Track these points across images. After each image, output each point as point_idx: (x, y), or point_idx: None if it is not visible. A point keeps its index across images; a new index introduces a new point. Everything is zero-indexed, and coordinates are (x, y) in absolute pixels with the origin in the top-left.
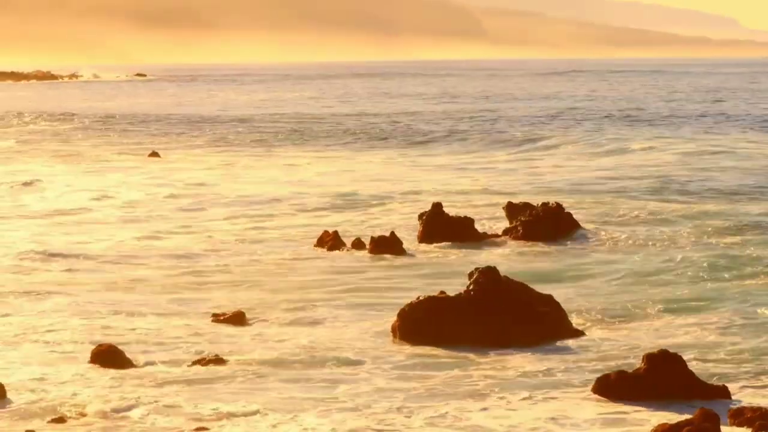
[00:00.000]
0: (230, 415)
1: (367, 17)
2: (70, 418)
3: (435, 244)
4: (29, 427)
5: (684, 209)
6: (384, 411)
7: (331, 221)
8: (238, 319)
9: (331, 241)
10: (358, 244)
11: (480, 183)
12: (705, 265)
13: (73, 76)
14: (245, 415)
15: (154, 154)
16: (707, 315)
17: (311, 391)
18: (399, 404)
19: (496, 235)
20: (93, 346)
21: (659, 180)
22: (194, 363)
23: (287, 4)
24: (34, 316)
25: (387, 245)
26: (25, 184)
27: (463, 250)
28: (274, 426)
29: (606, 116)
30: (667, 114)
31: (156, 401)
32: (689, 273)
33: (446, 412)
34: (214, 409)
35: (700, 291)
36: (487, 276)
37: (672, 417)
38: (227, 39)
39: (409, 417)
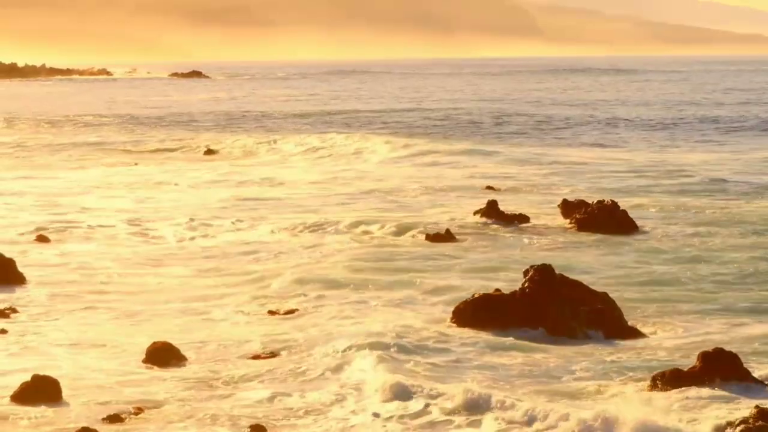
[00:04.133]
0: (287, 410)
1: (423, 15)
2: (125, 415)
3: (489, 241)
4: (84, 424)
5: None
6: (446, 401)
7: (387, 212)
8: (292, 313)
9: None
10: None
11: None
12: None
13: (132, 70)
14: (299, 409)
15: (210, 151)
16: (762, 315)
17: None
18: (463, 395)
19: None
20: (149, 343)
21: None
22: (250, 358)
23: (342, 1)
24: (93, 312)
25: (442, 242)
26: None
27: (517, 246)
28: (338, 419)
29: None
30: None
31: (209, 397)
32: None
33: (512, 404)
34: (269, 404)
35: (757, 291)
36: (541, 273)
37: (727, 415)
38: (281, 37)
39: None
